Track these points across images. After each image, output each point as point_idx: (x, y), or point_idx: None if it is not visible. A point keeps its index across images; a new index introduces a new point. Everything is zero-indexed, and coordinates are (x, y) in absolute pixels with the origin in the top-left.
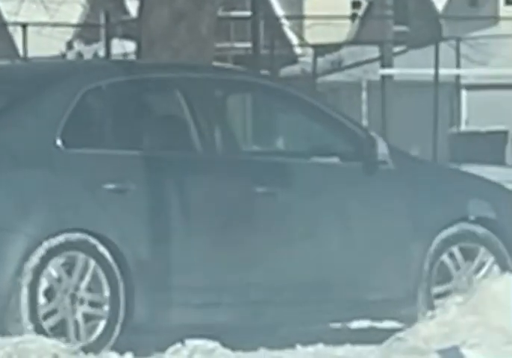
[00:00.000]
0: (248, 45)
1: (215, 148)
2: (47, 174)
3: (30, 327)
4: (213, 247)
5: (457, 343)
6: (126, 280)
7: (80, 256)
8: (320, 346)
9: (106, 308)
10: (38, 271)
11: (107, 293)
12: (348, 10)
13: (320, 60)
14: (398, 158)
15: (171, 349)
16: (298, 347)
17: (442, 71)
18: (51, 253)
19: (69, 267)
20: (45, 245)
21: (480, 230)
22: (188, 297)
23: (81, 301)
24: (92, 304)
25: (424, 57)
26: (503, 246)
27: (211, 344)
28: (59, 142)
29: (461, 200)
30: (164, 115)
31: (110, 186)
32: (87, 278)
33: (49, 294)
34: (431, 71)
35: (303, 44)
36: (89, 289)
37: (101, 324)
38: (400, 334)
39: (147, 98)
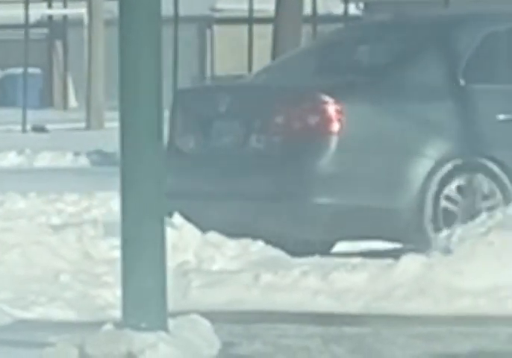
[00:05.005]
0: None
1: None
2: (450, 107)
3: (432, 234)
4: None
5: None
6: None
7: (479, 177)
8: None
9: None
10: (441, 186)
11: (499, 197)
12: None
13: None
14: None
15: None
16: None
17: None
18: (451, 173)
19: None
20: (447, 167)
21: None
22: None
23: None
24: (489, 209)
25: None
26: None
27: None
28: (461, 79)
29: None
30: None
31: (502, 117)
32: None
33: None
34: None
35: None
36: (484, 198)
37: None
38: None
39: None
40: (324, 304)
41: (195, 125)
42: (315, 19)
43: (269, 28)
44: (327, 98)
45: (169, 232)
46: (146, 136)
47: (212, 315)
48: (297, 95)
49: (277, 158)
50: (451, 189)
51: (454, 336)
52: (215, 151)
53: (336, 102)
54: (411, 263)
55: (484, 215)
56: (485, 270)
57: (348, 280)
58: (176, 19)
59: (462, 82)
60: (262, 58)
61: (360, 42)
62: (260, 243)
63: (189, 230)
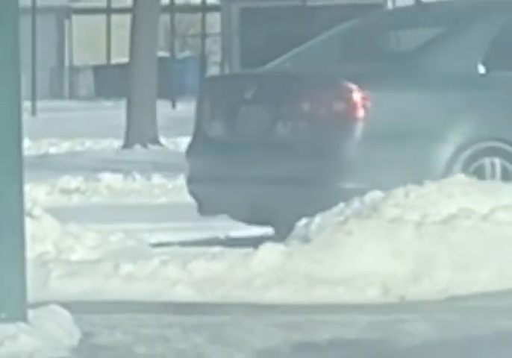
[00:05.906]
0: None
1: None
2: (471, 94)
3: None
4: None
5: None
6: None
7: (497, 161)
8: None
9: None
10: (462, 171)
11: None
12: None
13: None
14: None
15: None
16: None
17: None
18: (471, 158)
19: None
20: (468, 151)
21: None
22: None
23: None
24: None
25: None
26: None
27: None
28: (480, 67)
29: None
30: None
31: None
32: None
33: None
34: None
35: None
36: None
37: None
38: None
39: None
40: (183, 293)
41: (223, 112)
42: (173, 8)
43: (127, 18)
44: (352, 86)
45: (28, 222)
46: (4, 126)
47: (72, 306)
48: (323, 83)
49: (303, 144)
50: (471, 173)
51: (312, 325)
52: (242, 138)
53: (362, 89)
54: (270, 252)
55: (341, 204)
56: (343, 259)
57: (207, 269)
58: (34, 9)
59: (483, 69)
60: (120, 48)
61: (385, 30)
62: (120, 233)
63: (48, 221)
